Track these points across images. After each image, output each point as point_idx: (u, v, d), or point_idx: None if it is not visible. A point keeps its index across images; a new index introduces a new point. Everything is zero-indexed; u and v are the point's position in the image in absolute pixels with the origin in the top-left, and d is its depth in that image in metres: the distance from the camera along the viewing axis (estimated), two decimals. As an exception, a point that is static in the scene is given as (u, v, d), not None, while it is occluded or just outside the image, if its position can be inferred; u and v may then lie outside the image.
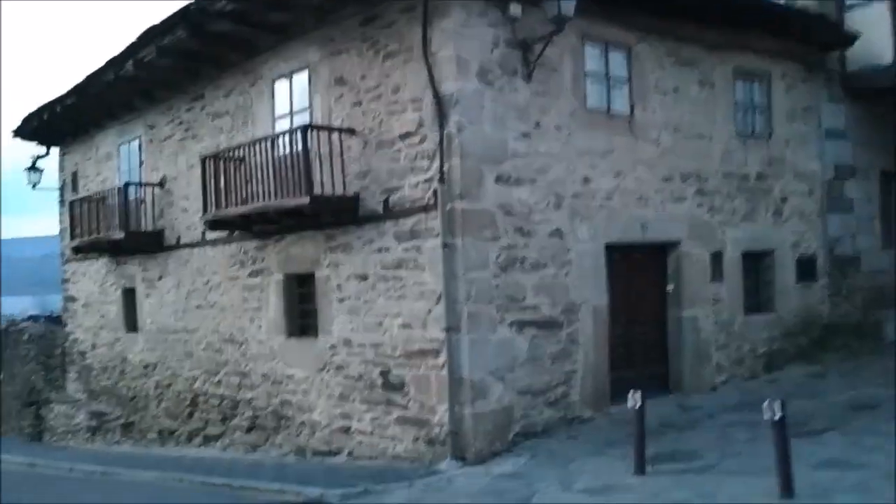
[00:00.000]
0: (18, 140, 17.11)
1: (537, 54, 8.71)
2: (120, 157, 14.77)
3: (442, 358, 8.34)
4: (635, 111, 9.92)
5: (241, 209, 10.13)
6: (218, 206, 10.57)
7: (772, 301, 11.74)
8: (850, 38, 11.97)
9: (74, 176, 16.85)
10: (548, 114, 9.01)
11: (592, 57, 9.55)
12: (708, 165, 10.75)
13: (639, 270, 10.15)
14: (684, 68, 10.49)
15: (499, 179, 8.53)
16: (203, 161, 10.78)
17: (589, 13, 9.19)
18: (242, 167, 10.28)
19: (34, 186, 17.24)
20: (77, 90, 13.57)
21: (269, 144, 9.71)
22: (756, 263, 11.58)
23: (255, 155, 9.96)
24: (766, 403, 5.79)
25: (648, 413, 7.22)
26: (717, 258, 10.81)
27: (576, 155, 9.24)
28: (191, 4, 9.73)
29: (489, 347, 8.37)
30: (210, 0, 9.44)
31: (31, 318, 21.11)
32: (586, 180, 9.32)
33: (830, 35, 11.84)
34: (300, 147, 9.12)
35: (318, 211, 9.36)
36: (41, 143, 17.32)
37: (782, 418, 5.75)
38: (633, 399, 6.76)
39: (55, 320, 19.81)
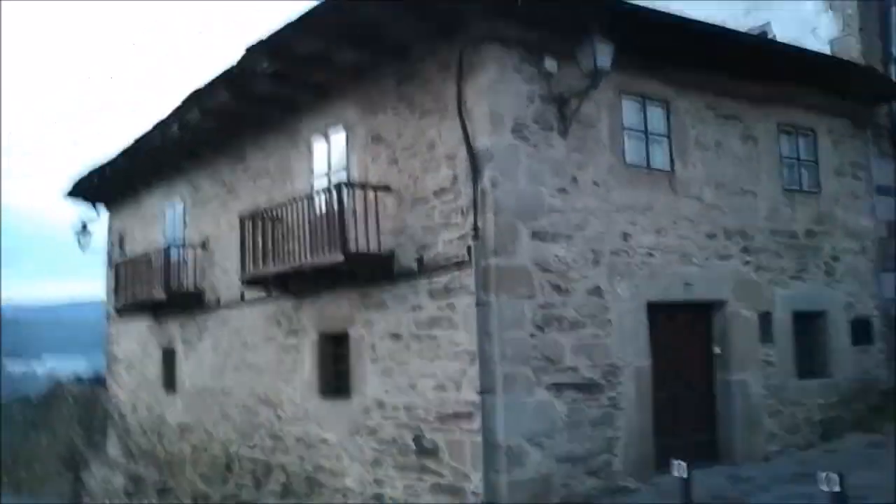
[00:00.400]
0: (67, 201, 17.61)
1: (573, 109, 8.62)
2: (165, 219, 15.02)
3: (476, 422, 8.04)
4: (676, 166, 9.70)
5: (277, 267, 10.10)
6: (255, 264, 10.57)
7: (826, 365, 11.16)
8: (899, 92, 11.64)
9: (121, 237, 17.19)
10: (585, 169, 8.85)
11: (630, 112, 9.42)
12: (753, 222, 10.41)
13: (683, 331, 9.75)
14: (726, 123, 10.28)
15: (534, 235, 8.34)
16: (241, 220, 10.84)
17: (626, 67, 9.10)
18: (280, 226, 10.30)
19: (84, 249, 17.61)
20: (127, 152, 13.91)
21: (305, 203, 9.72)
22: (808, 325, 11.05)
23: (291, 213, 9.98)
24: (822, 474, 5.35)
25: (696, 484, 6.77)
26: (765, 319, 10.35)
27: (615, 211, 9.02)
28: (233, 66, 9.93)
29: (526, 411, 8.04)
30: (251, 61, 9.59)
31: (77, 379, 21.34)
32: (626, 236, 9.07)
33: (878, 88, 11.53)
34: (335, 205, 9.10)
35: (352, 268, 9.26)
36: (90, 204, 17.77)
37: (840, 494, 5.28)
38: (679, 469, 6.33)
39: (100, 382, 20.00)
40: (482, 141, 8.24)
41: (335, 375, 10.46)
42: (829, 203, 11.37)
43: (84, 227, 17.43)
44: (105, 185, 16.04)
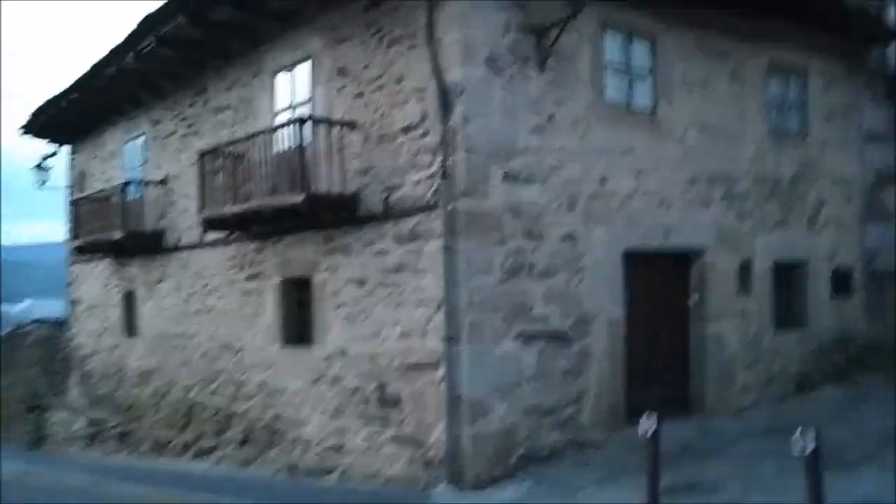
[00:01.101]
0: (31, 138, 16.79)
1: (552, 40, 8.01)
2: (124, 155, 14.30)
3: (440, 372, 7.64)
4: (659, 107, 9.17)
5: (236, 208, 9.53)
6: (214, 204, 10.00)
7: (804, 316, 10.89)
8: (893, 34, 11.10)
9: (82, 175, 16.43)
10: (563, 107, 8.30)
11: (613, 46, 8.83)
12: (737, 167, 9.96)
13: (660, 280, 9.36)
14: (713, 61, 9.72)
15: (507, 177, 7.82)
16: (200, 157, 10.23)
17: (610, -1, 8.52)
18: (240, 164, 9.70)
19: (41, 186, 16.85)
20: (81, 84, 13.12)
21: (265, 139, 9.11)
22: (788, 275, 10.73)
23: (252, 151, 9.38)
24: (795, 435, 4.99)
25: (667, 437, 6.41)
26: (745, 269, 9.99)
27: (593, 153, 8.51)
28: (186, -11, 9.18)
29: (492, 361, 7.65)
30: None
31: (36, 321, 20.73)
32: (604, 180, 8.58)
33: (871, 28, 10.99)
34: (296, 141, 8.51)
35: (314, 210, 8.72)
36: (51, 141, 16.96)
37: (815, 451, 4.94)
38: (648, 423, 5.99)
39: (61, 324, 19.45)
40: (453, 73, 7.65)
41: (298, 322, 10.01)
42: (816, 149, 10.93)
43: (41, 164, 16.69)
44: (64, 121, 15.23)
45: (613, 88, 8.82)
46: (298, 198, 8.45)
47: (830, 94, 11.16)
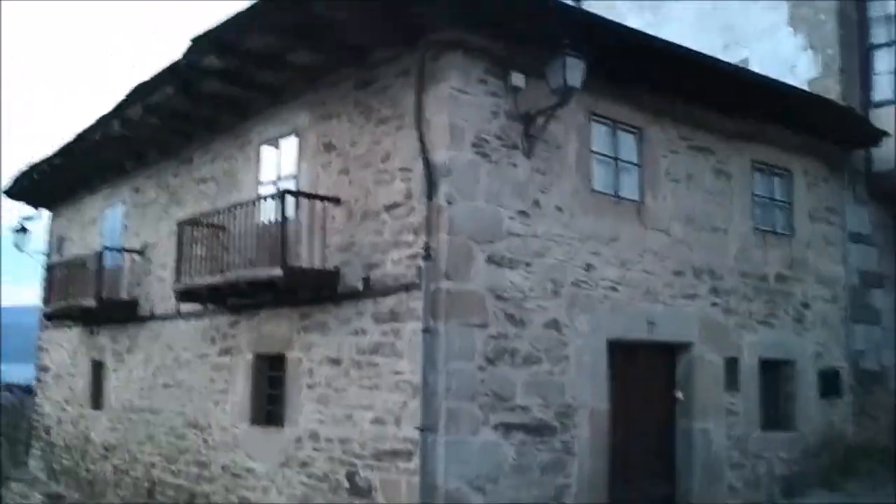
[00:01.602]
0: (12, 202, 16.63)
1: (540, 128, 8.02)
2: (104, 222, 14.11)
3: (415, 461, 7.27)
4: (645, 197, 9.14)
5: (212, 279, 9.28)
6: (191, 275, 9.76)
7: (792, 417, 10.62)
8: (877, 137, 11.28)
9: (60, 240, 16.20)
10: (549, 193, 8.23)
11: (600, 136, 8.86)
12: (723, 262, 9.87)
13: (645, 373, 9.12)
14: (699, 155, 9.78)
15: (490, 260, 7.66)
16: (179, 226, 10.04)
17: (597, 90, 8.59)
18: (221, 235, 9.52)
19: (20, 249, 16.56)
20: (65, 150, 13.03)
21: (246, 210, 8.96)
22: (775, 373, 10.52)
23: (232, 222, 9.22)
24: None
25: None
26: (732, 364, 9.77)
27: (578, 239, 8.40)
28: (179, 60, 9.18)
29: (470, 452, 7.30)
30: (198, 55, 8.86)
31: (7, 386, 20.07)
32: (589, 267, 8.45)
33: (856, 131, 11.17)
34: (278, 214, 8.36)
35: (292, 285, 8.49)
36: (33, 205, 16.79)
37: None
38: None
39: (29, 391, 18.80)
40: (440, 154, 7.58)
41: (269, 400, 9.63)
42: (801, 247, 10.90)
43: (22, 226, 16.45)
44: (46, 185, 15.12)
45: (600, 177, 8.79)
46: (276, 271, 8.23)
47: (814, 194, 11.22)
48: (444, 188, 7.50)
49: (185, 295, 10.01)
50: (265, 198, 8.74)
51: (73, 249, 15.09)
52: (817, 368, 10.91)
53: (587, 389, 8.21)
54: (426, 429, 7.19)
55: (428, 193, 7.54)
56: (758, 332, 10.15)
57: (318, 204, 8.73)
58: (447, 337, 7.30)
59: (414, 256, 7.66)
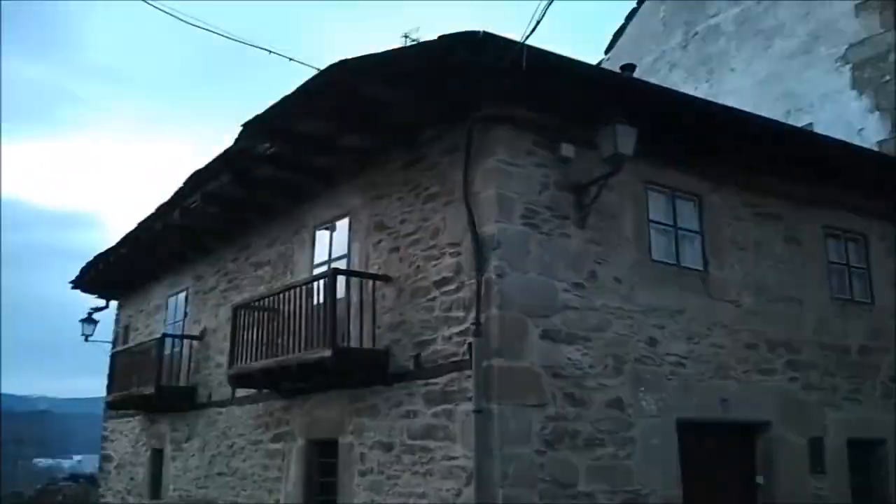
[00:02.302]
0: (81, 293, 17.09)
1: (592, 197, 7.76)
2: (167, 310, 14.30)
3: (470, 554, 6.77)
4: (710, 266, 8.69)
5: (263, 363, 9.15)
6: (245, 359, 9.65)
7: (887, 502, 9.63)
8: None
9: (126, 329, 16.47)
10: (605, 264, 7.88)
11: (657, 205, 8.52)
12: (800, 334, 9.23)
13: (720, 456, 8.44)
14: (766, 222, 9.31)
15: (545, 335, 7.30)
16: (234, 311, 10.02)
17: (652, 157, 8.33)
18: (273, 318, 9.43)
19: (87, 339, 16.94)
20: (128, 239, 13.37)
21: (297, 292, 8.86)
22: (865, 455, 9.63)
23: (284, 304, 9.13)
24: None
25: None
26: (816, 445, 8.99)
27: (639, 312, 7.97)
28: (231, 147, 9.36)
29: (529, 543, 6.76)
30: (250, 140, 9.02)
31: (71, 477, 20.22)
32: (652, 342, 7.97)
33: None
34: (327, 294, 8.23)
35: (342, 366, 8.26)
36: (101, 296, 17.24)
37: None
38: None
39: (94, 481, 18.87)
40: (489, 227, 7.37)
41: (321, 489, 9.28)
42: (883, 316, 10.14)
43: (89, 316, 16.88)
44: (111, 276, 15.47)
45: (659, 247, 8.41)
46: (326, 352, 8.03)
47: (894, 259, 10.52)
48: (493, 261, 7.25)
49: (238, 379, 9.89)
50: (316, 278, 8.63)
51: (139, 338, 15.30)
52: (913, 448, 9.95)
53: (657, 475, 7.60)
54: (482, 519, 6.71)
55: (477, 267, 7.29)
56: (843, 409, 9.37)
57: (369, 283, 8.58)
58: (501, 418, 6.89)
59: (465, 333, 7.37)
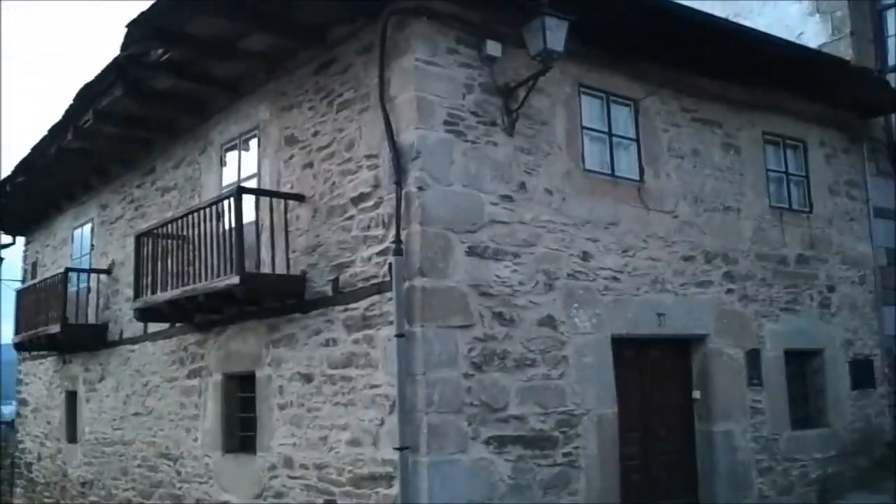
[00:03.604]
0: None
1: (521, 101, 7.10)
2: (73, 243, 13.26)
3: (396, 486, 6.31)
4: (646, 175, 8.19)
5: (169, 294, 8.38)
6: (153, 291, 8.86)
7: (824, 413, 9.61)
8: (897, 102, 10.30)
9: (34, 266, 15.34)
10: (535, 174, 7.29)
11: (591, 110, 7.94)
12: (738, 244, 8.90)
13: (656, 371, 8.15)
14: (704, 128, 8.83)
15: (472, 251, 6.72)
16: (137, 239, 9.15)
17: (586, 59, 7.71)
18: (183, 247, 8.61)
19: (-7, 278, 15.76)
20: (22, 167, 12.17)
21: (202, 216, 8.05)
22: (802, 365, 9.54)
23: (191, 229, 8.31)
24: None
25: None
26: (753, 357, 8.78)
27: (572, 225, 7.45)
28: (119, 55, 8.31)
29: (458, 473, 6.33)
30: (140, 44, 7.99)
31: (-8, 423, 19.21)
32: (586, 256, 7.49)
33: (875, 96, 10.16)
34: (232, 216, 7.46)
35: (253, 294, 7.58)
36: (6, 232, 15.99)
37: None
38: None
39: (13, 427, 17.94)
40: (408, 135, 6.67)
41: (241, 425, 8.69)
42: (822, 225, 9.91)
43: (-6, 253, 15.67)
44: (12, 209, 14.23)
45: (593, 155, 7.86)
46: (234, 279, 7.32)
47: (833, 166, 10.25)
48: (414, 173, 6.58)
49: (144, 313, 9.09)
50: (220, 199, 7.81)
51: (46, 275, 14.22)
52: (848, 357, 9.89)
53: (591, 394, 7.24)
54: (406, 449, 6.23)
55: (396, 179, 6.61)
56: (780, 320, 9.16)
57: (282, 204, 7.83)
58: (425, 341, 6.35)
59: (385, 252, 6.74)
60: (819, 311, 9.66)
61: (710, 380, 8.38)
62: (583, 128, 7.79)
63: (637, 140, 8.24)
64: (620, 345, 7.58)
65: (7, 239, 16.06)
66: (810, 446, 9.23)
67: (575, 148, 7.66)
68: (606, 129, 8.02)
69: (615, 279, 7.66)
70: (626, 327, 7.65)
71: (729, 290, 8.71)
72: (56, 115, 14.55)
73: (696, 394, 8.38)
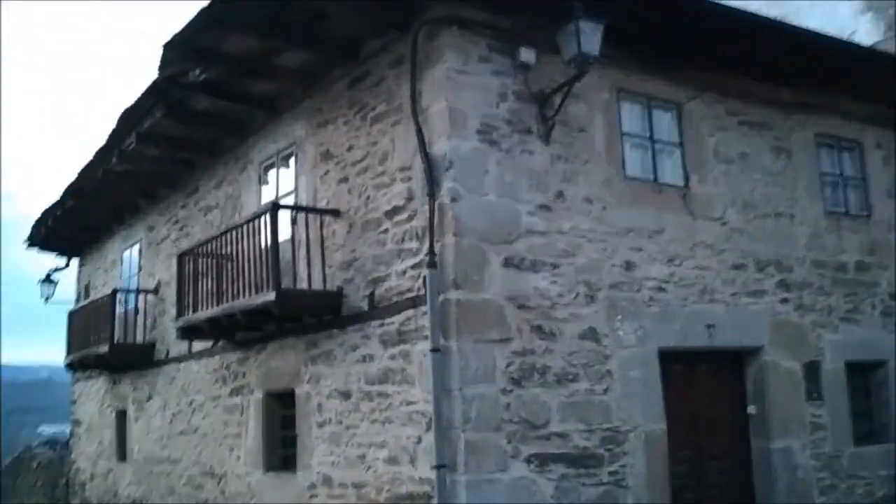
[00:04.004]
0: (38, 252, 16.22)
1: (556, 109, 6.90)
2: (122, 264, 13.48)
3: (434, 506, 6.12)
4: (691, 181, 7.89)
5: (209, 312, 8.39)
6: (195, 310, 8.89)
7: (889, 428, 9.06)
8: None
9: (87, 288, 15.67)
10: (574, 183, 7.07)
11: (631, 115, 7.69)
12: (792, 252, 8.50)
13: (707, 386, 7.79)
14: (752, 131, 8.49)
15: (508, 263, 6.53)
16: (179, 259, 9.22)
17: (624, 64, 7.50)
18: (224, 265, 8.61)
19: (46, 300, 16.11)
20: (72, 191, 12.44)
21: (240, 233, 8.03)
22: (864, 378, 9.04)
23: (230, 247, 8.31)
24: None
25: None
26: (812, 370, 8.34)
27: (614, 234, 7.20)
28: (158, 78, 8.39)
29: (498, 492, 6.11)
30: (176, 66, 8.06)
31: (47, 442, 19.60)
32: (629, 266, 7.22)
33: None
34: (268, 233, 7.42)
35: (289, 310, 7.52)
36: (60, 254, 16.40)
37: None
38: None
39: (68, 447, 18.28)
40: (440, 145, 6.54)
41: (281, 443, 8.62)
42: (882, 229, 9.42)
43: (47, 277, 16.02)
44: (64, 233, 14.58)
45: (634, 162, 7.60)
46: (270, 296, 7.26)
47: (891, 170, 9.75)
48: (447, 184, 6.43)
49: (186, 332, 9.14)
50: (255, 216, 7.79)
51: (97, 296, 14.51)
52: (914, 369, 9.33)
53: (637, 409, 6.94)
54: (443, 467, 6.03)
55: (429, 191, 6.47)
56: (840, 330, 8.70)
57: (314, 217, 7.77)
58: (461, 356, 6.16)
59: (419, 265, 6.59)
60: (881, 321, 9.15)
61: (766, 394, 7.98)
62: (623, 134, 7.55)
63: (681, 145, 7.96)
64: (668, 358, 7.26)
65: (61, 262, 16.49)
66: (875, 463, 8.71)
67: (615, 155, 7.41)
68: (648, 135, 7.75)
69: (661, 290, 7.37)
70: (674, 340, 7.33)
71: (784, 300, 8.31)
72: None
73: (752, 409, 7.99)
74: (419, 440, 6.39)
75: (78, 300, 15.97)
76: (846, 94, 9.12)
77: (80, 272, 16.34)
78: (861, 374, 8.91)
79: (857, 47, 9.28)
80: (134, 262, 12.98)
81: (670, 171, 7.84)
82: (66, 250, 16.12)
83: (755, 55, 8.02)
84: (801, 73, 8.57)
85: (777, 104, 8.73)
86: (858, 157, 9.48)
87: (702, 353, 7.69)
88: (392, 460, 6.69)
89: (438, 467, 6.03)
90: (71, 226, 14.19)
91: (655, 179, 7.69)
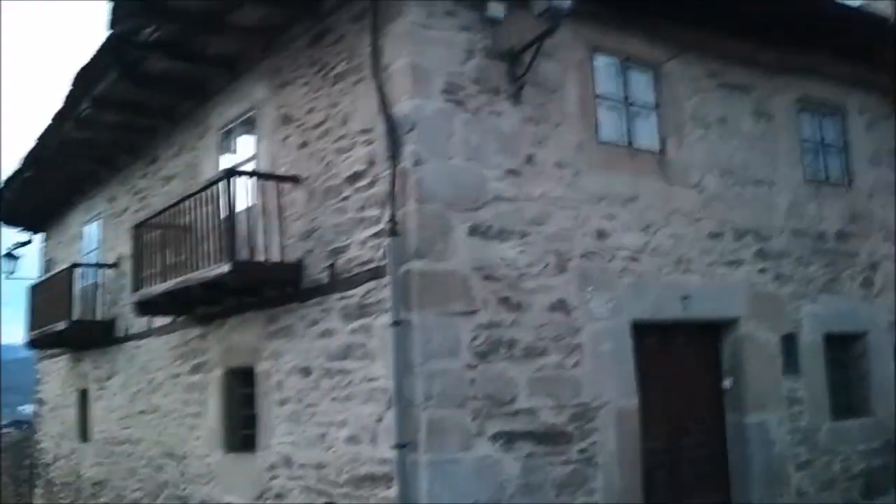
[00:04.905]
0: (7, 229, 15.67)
1: (526, 67, 6.52)
2: (84, 238, 12.99)
3: (394, 488, 5.81)
4: (667, 146, 7.56)
5: (164, 285, 7.99)
6: (150, 284, 8.48)
7: (867, 401, 8.88)
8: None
9: (49, 263, 15.16)
10: (544, 146, 6.71)
11: (606, 75, 7.32)
12: (770, 220, 8.22)
13: (681, 359, 7.51)
14: (732, 94, 8.15)
15: (474, 231, 6.17)
16: (134, 230, 8.79)
17: (599, 20, 7.10)
18: (182, 236, 8.19)
19: (9, 275, 15.59)
20: (29, 161, 11.89)
21: (196, 203, 7.62)
22: (843, 350, 8.82)
23: (186, 218, 7.89)
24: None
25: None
26: (789, 342, 8.10)
27: (586, 201, 6.86)
28: (109, 35, 7.90)
29: (461, 471, 5.81)
30: (131, 25, 7.57)
31: (14, 423, 19.19)
32: (601, 235, 6.89)
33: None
34: (223, 201, 7.01)
35: (245, 283, 7.14)
36: (25, 229, 15.85)
37: None
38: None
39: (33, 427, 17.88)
40: (402, 106, 6.15)
41: (243, 422, 8.26)
42: (863, 198, 9.17)
43: (9, 253, 15.49)
44: (26, 206, 14.03)
45: (608, 125, 7.24)
46: (225, 268, 6.87)
47: (874, 135, 9.48)
48: (409, 147, 6.05)
49: (143, 307, 8.73)
50: (210, 184, 7.36)
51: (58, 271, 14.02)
52: (893, 341, 9.13)
53: (609, 384, 6.65)
54: (404, 446, 5.72)
55: (391, 154, 6.10)
56: (819, 301, 8.46)
57: (272, 185, 7.37)
58: (423, 330, 5.83)
59: (381, 234, 6.23)
60: (861, 292, 8.93)
61: (742, 367, 7.73)
62: (597, 95, 7.18)
63: (657, 108, 7.61)
64: (641, 331, 6.97)
65: (24, 236, 15.94)
66: (853, 438, 8.52)
67: (588, 117, 7.06)
68: (623, 97, 7.40)
69: (634, 259, 7.05)
70: (648, 311, 7.04)
71: (762, 270, 8.04)
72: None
73: (727, 383, 7.74)
74: (380, 419, 6.07)
75: (41, 276, 15.47)
76: (830, 57, 8.79)
77: (45, 247, 15.81)
78: (840, 346, 8.70)
79: (839, 6, 8.91)
80: (95, 235, 12.50)
81: (646, 136, 7.49)
82: (31, 225, 15.59)
83: (736, 13, 7.66)
84: (784, 34, 8.22)
85: (758, 66, 8.40)
86: (840, 122, 9.19)
87: (676, 326, 7.41)
88: (352, 440, 6.37)
89: (398, 447, 5.72)
90: (32, 198, 13.64)
91: (630, 144, 7.35)
